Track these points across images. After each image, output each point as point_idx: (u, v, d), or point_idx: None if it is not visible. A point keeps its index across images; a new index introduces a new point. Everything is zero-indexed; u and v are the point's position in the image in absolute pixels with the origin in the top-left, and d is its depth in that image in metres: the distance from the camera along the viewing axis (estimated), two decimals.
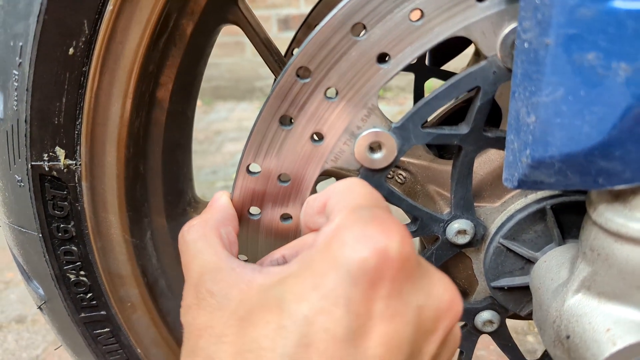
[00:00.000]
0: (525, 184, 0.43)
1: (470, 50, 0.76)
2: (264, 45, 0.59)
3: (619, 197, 0.42)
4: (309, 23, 0.83)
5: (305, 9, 3.32)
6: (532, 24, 0.38)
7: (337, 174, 0.64)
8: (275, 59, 0.60)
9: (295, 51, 0.47)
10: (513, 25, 0.43)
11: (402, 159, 0.62)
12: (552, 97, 0.38)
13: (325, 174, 0.65)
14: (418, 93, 0.80)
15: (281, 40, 3.59)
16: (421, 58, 0.80)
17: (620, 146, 0.38)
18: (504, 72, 0.45)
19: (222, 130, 2.96)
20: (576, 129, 0.38)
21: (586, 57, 0.36)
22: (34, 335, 1.34)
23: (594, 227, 0.43)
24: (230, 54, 3.50)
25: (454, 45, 0.76)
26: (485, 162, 0.57)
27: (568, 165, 0.40)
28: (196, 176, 2.34)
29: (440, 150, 0.68)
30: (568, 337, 0.45)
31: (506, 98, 0.59)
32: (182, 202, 0.65)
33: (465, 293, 0.62)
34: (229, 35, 3.39)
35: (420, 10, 0.43)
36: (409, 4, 0.42)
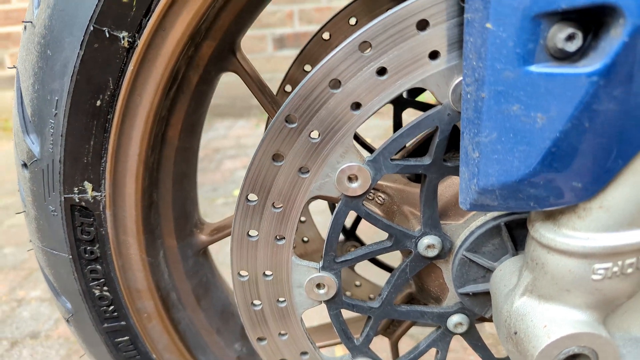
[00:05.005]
0: (475, 207, 0.52)
1: None
2: (258, 89, 0.69)
3: (550, 216, 0.51)
4: (300, 60, 0.93)
5: (300, 28, 3.43)
6: (471, 80, 0.48)
7: (325, 198, 0.74)
8: (268, 100, 0.69)
9: (285, 101, 0.57)
10: (461, 77, 0.53)
11: (381, 182, 0.72)
12: (489, 138, 0.48)
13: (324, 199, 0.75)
14: (397, 122, 0.90)
15: (277, 59, 3.70)
16: None
17: (542, 177, 0.47)
18: (456, 114, 0.55)
19: (221, 147, 3.05)
20: (509, 164, 0.48)
21: (512, 108, 0.46)
22: (48, 350, 1.42)
23: (532, 241, 0.53)
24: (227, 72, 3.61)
25: None
26: (450, 185, 0.66)
27: (505, 192, 0.49)
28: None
29: (416, 174, 0.78)
30: (516, 333, 0.54)
31: None
32: (189, 225, 0.75)
33: (438, 299, 0.71)
34: None
35: (385, 67, 0.52)
36: (375, 63, 0.52)
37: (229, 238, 0.76)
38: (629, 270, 0.49)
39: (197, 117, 0.69)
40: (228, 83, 3.63)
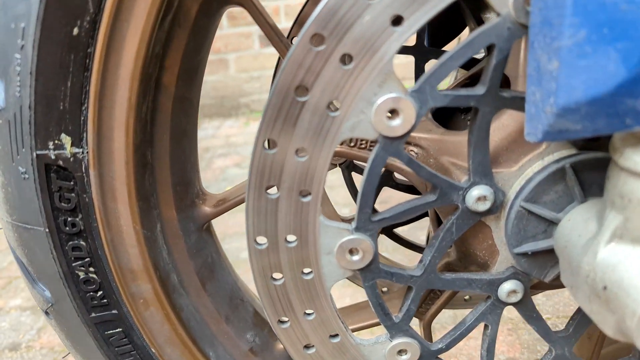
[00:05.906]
0: (550, 135, 0.42)
1: None
2: (269, 26, 0.58)
3: None
4: (300, 21, 0.83)
5: (286, 23, 3.36)
6: None
7: (353, 156, 0.63)
8: (280, 40, 0.59)
9: (308, 20, 0.46)
10: None
11: (413, 134, 0.61)
12: (574, 39, 0.38)
13: (342, 155, 0.64)
14: (418, 75, 0.81)
15: (264, 56, 3.61)
16: (420, 40, 0.80)
17: None
18: (518, 28, 0.45)
19: (211, 147, 2.95)
20: (601, 69, 0.38)
21: None
22: None
23: (621, 173, 0.43)
24: (214, 71, 3.51)
25: (453, 27, 0.76)
26: (499, 128, 0.56)
27: (595, 108, 0.39)
28: None
29: (448, 126, 0.68)
30: (605, 288, 0.44)
31: (513, 66, 0.59)
32: (191, 194, 0.64)
33: (485, 265, 0.61)
34: (213, 54, 3.39)
35: None
36: None
37: (234, 209, 0.66)
38: None
39: (197, 61, 0.59)
40: (214, 82, 3.53)
